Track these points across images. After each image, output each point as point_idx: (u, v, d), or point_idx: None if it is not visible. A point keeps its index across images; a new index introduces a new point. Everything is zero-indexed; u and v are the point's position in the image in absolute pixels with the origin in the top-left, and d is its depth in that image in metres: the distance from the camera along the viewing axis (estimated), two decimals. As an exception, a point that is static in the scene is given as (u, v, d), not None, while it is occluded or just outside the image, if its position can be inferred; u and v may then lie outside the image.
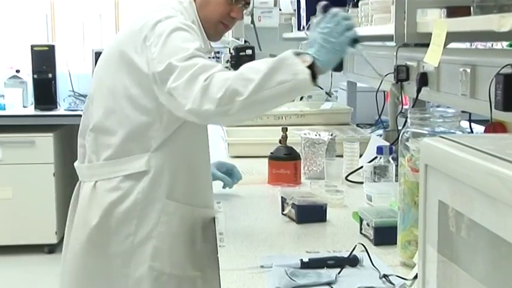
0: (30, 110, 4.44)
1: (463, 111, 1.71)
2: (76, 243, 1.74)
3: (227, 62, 3.61)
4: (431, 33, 1.56)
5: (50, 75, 4.40)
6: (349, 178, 2.16)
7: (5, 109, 4.39)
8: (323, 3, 1.54)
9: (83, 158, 1.78)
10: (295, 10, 3.69)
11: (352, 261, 1.39)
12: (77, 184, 1.81)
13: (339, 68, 3.47)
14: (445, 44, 1.51)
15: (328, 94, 3.62)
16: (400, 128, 2.44)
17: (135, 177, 1.66)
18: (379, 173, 2.00)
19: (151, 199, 1.66)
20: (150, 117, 1.63)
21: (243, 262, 1.44)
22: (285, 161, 2.16)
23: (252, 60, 3.40)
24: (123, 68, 1.64)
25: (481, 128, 2.00)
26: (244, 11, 1.75)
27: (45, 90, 4.39)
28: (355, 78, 3.36)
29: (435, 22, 1.54)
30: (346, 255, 1.40)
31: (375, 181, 1.99)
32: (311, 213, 1.72)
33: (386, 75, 2.52)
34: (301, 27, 3.47)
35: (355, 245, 1.42)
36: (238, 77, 1.44)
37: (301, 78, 1.42)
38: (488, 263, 0.74)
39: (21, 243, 4.32)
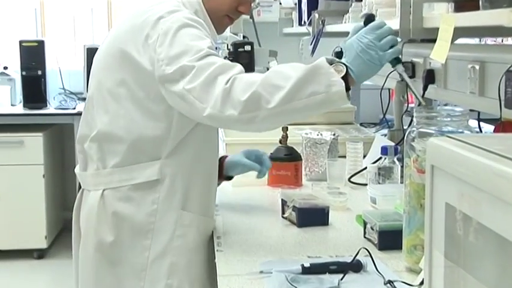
0: (19, 109, 4.44)
1: (471, 110, 1.71)
2: (86, 258, 1.69)
3: (225, 58, 3.61)
4: (438, 29, 1.56)
5: (40, 72, 4.40)
6: (352, 180, 2.16)
7: (-8, 108, 4.40)
8: (367, 13, 1.52)
9: (85, 164, 1.71)
10: (296, 4, 3.69)
11: (356, 266, 1.39)
12: (79, 192, 1.75)
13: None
14: (453, 40, 1.51)
15: (331, 92, 3.62)
16: (405, 127, 2.44)
17: (146, 186, 1.61)
18: (384, 174, 2.00)
19: (166, 210, 1.61)
20: (159, 121, 1.58)
21: (242, 267, 1.44)
22: (286, 161, 2.17)
23: (251, 56, 3.44)
24: (125, 69, 1.59)
25: (490, 128, 2.00)
26: (252, 5, 1.74)
27: (34, 88, 4.39)
28: (359, 75, 3.36)
29: (442, 17, 1.54)
30: (349, 260, 1.40)
31: (379, 183, 2.00)
32: (312, 217, 1.72)
33: (391, 72, 2.53)
34: (303, 22, 3.47)
35: (359, 250, 1.42)
36: (266, 81, 1.39)
37: (335, 91, 1.38)
38: (497, 268, 0.74)
39: (9, 248, 4.32)
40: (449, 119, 1.33)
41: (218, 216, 1.82)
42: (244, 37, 3.80)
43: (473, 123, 1.95)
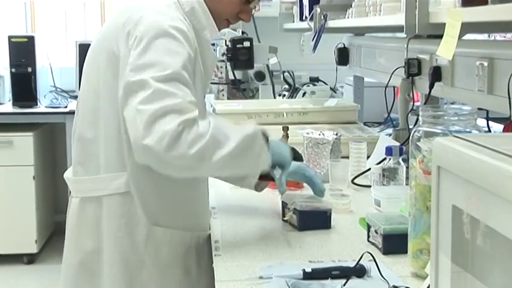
0: (8, 108, 4.44)
1: (479, 109, 1.71)
2: (67, 268, 1.72)
3: (223, 55, 3.61)
4: (444, 24, 1.56)
5: (30, 69, 4.40)
6: (355, 181, 2.17)
7: (-20, 106, 4.40)
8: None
9: (71, 168, 1.76)
10: (297, -2, 3.69)
11: (359, 271, 1.39)
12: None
13: (344, 61, 3.49)
14: (460, 36, 1.51)
15: (333, 90, 3.62)
16: (411, 126, 2.45)
17: (116, 198, 1.63)
18: (388, 175, 2.00)
19: (135, 225, 1.63)
20: (124, 123, 1.56)
21: (241, 273, 1.44)
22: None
23: (250, 53, 3.44)
24: (109, 68, 1.61)
25: (500, 127, 2.00)
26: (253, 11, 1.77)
27: (24, 86, 4.39)
28: (363, 72, 3.36)
29: (449, 11, 1.54)
30: (352, 264, 1.40)
31: (383, 184, 2.00)
32: (314, 220, 1.72)
33: (396, 69, 2.53)
34: (304, 17, 3.47)
35: (362, 254, 1.42)
36: (213, 138, 1.49)
37: (263, 160, 1.60)
38: (506, 273, 0.74)
39: (-2, 252, 4.32)
40: (456, 118, 1.33)
41: (216, 219, 1.83)
42: (243, 33, 3.80)
43: (481, 122, 1.96)
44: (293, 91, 3.57)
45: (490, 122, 2.02)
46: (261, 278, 1.39)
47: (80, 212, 1.68)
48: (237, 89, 3.87)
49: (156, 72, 1.49)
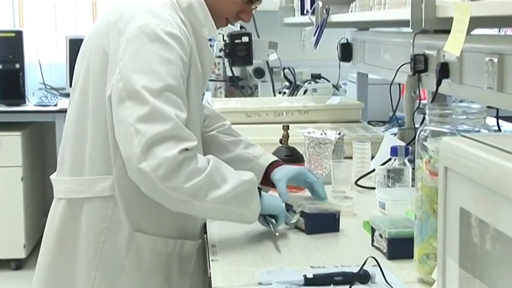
0: (-5, 106, 4.44)
1: (489, 107, 1.71)
2: (42, 272, 1.74)
3: (220, 51, 3.61)
4: (452, 18, 1.57)
5: (17, 66, 4.40)
6: (359, 183, 2.17)
7: (-35, 104, 4.39)
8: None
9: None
10: (298, -9, 3.70)
11: (363, 277, 1.39)
12: None
13: (347, 57, 3.49)
14: (469, 31, 1.52)
15: (336, 87, 3.63)
16: (417, 125, 2.45)
17: (98, 201, 1.64)
18: (394, 177, 2.00)
19: (117, 230, 1.64)
20: (110, 124, 1.59)
21: (239, 278, 1.44)
22: (287, 163, 2.17)
23: (248, 48, 3.44)
24: (98, 66, 1.62)
25: (510, 126, 2.01)
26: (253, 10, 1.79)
27: (11, 83, 4.39)
28: (366, 69, 3.37)
29: (457, 5, 1.55)
30: (355, 270, 1.40)
31: (388, 186, 2.00)
32: (323, 223, 1.73)
33: (401, 65, 2.53)
34: (305, 11, 3.48)
35: (366, 259, 1.43)
36: (210, 177, 1.53)
37: (253, 210, 1.64)
38: (516, 278, 0.74)
39: (-16, 257, 4.32)
40: (464, 116, 1.33)
41: (213, 223, 1.83)
42: (241, 27, 3.80)
43: (491, 121, 1.96)
44: (294, 89, 3.57)
45: (500, 121, 2.02)
46: (260, 284, 1.39)
47: (60, 214, 1.69)
48: (235, 87, 3.87)
49: (149, 83, 1.51)
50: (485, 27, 2.35)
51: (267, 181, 1.85)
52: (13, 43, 4.39)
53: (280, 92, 3.66)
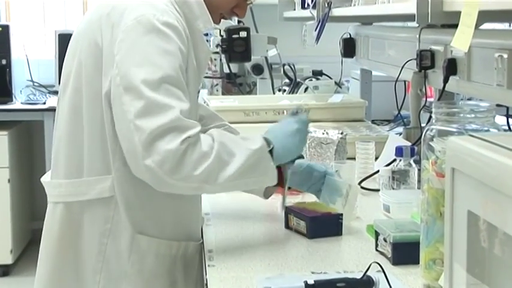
0: (-20, 104, 4.44)
1: (498, 105, 1.72)
2: (42, 283, 1.73)
3: (217, 46, 3.61)
4: (460, 12, 1.57)
5: (4, 62, 4.40)
6: (362, 185, 2.17)
7: (-51, 102, 4.39)
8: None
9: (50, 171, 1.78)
10: (298, -16, 3.70)
11: (367, 283, 1.39)
12: None
13: (350, 53, 3.49)
14: (477, 25, 1.52)
15: (338, 84, 3.63)
16: (423, 125, 2.45)
17: (99, 203, 1.64)
18: (399, 178, 2.01)
19: (120, 232, 1.64)
20: (108, 123, 1.60)
21: (237, 285, 1.44)
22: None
23: (247, 44, 3.44)
24: (91, 62, 1.62)
25: (520, 125, 2.01)
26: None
27: (-2, 80, 4.39)
28: (370, 65, 3.37)
29: (465, -1, 1.55)
30: (359, 276, 1.41)
31: (393, 188, 2.00)
32: (325, 226, 1.73)
33: (407, 62, 2.54)
34: (306, 5, 3.48)
35: (370, 264, 1.43)
36: (218, 157, 1.55)
37: (271, 177, 1.65)
38: (526, 284, 0.75)
39: (-31, 263, 4.32)
40: (473, 115, 1.33)
41: (210, 227, 1.83)
42: (239, 22, 3.80)
43: (500, 120, 1.96)
44: (294, 86, 3.57)
45: (510, 120, 2.03)
46: (259, 290, 1.39)
47: (60, 218, 1.68)
48: (233, 84, 3.87)
49: (147, 75, 1.52)
50: (495, 21, 2.36)
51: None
52: (-1, 38, 4.40)
53: (279, 90, 3.66)
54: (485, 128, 1.31)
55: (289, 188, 1.82)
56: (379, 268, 1.42)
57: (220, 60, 3.81)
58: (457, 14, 1.59)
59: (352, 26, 3.56)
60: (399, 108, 2.83)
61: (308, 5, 3.38)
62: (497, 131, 1.32)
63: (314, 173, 1.85)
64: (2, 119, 4.38)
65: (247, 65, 3.70)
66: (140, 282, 1.66)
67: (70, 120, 1.67)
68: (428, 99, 2.71)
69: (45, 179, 1.78)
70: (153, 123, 1.49)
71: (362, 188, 2.17)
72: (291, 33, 4.52)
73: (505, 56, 1.81)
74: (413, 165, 2.00)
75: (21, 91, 4.65)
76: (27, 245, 4.67)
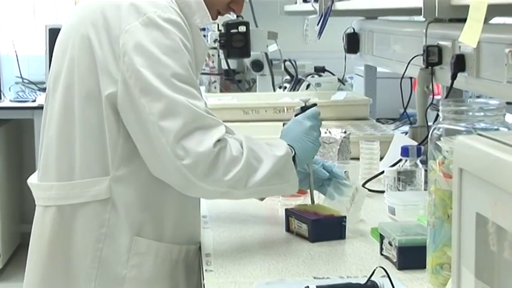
0: (-32, 102, 4.44)
1: (508, 103, 1.72)
2: (30, 284, 1.73)
3: (215, 41, 3.61)
4: (468, 6, 1.57)
5: (-8, 58, 4.40)
6: (367, 186, 2.17)
7: None
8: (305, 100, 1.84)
9: (37, 172, 1.77)
10: (299, -24, 3.70)
11: (371, 289, 1.40)
12: None
13: (354, 49, 3.49)
14: (486, 20, 1.52)
15: (341, 81, 3.63)
16: (430, 123, 2.46)
17: (95, 206, 1.64)
18: (404, 179, 2.01)
19: (117, 235, 1.64)
20: (109, 124, 1.60)
21: (235, 291, 1.45)
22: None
23: (246, 39, 3.44)
24: (84, 59, 1.62)
25: (531, 124, 2.01)
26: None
27: (-14, 77, 4.40)
28: (375, 61, 3.37)
29: (473, -8, 1.55)
30: (363, 281, 1.41)
31: (399, 190, 2.01)
32: (327, 229, 1.73)
33: (413, 57, 2.54)
34: (307, -2, 3.48)
35: (374, 269, 1.43)
36: (247, 164, 1.59)
37: (292, 184, 1.70)
38: (537, 289, 0.75)
39: (-44, 268, 4.32)
40: (482, 113, 1.34)
41: (207, 230, 1.83)
42: (238, 16, 3.80)
43: (510, 118, 1.97)
44: (295, 83, 3.58)
45: (520, 119, 2.03)
46: (258, 296, 1.40)
47: (51, 223, 1.68)
48: (231, 81, 3.88)
49: (159, 75, 1.54)
50: (505, 15, 2.36)
51: None
52: (-13, 33, 4.40)
53: (280, 87, 3.67)
54: (495, 127, 1.32)
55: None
56: (384, 273, 1.43)
57: (218, 56, 3.82)
58: (466, 7, 1.59)
59: (356, 20, 3.56)
60: (405, 106, 2.83)
61: (310, -2, 3.38)
62: (507, 130, 1.32)
63: (320, 174, 1.85)
64: (-10, 117, 4.39)
65: (247, 61, 3.70)
66: (139, 286, 1.65)
67: (61, 119, 1.67)
68: (435, 97, 2.72)
69: (32, 181, 1.77)
70: (178, 123, 1.52)
71: (366, 189, 2.17)
72: (292, 28, 4.52)
73: (516, 51, 1.81)
74: (420, 165, 2.00)
75: (10, 88, 4.65)
76: (17, 249, 4.67)
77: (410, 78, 2.88)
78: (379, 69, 3.52)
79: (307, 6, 3.42)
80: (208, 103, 2.98)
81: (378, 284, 1.40)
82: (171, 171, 1.54)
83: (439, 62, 2.35)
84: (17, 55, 4.81)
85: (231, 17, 3.71)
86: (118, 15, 1.59)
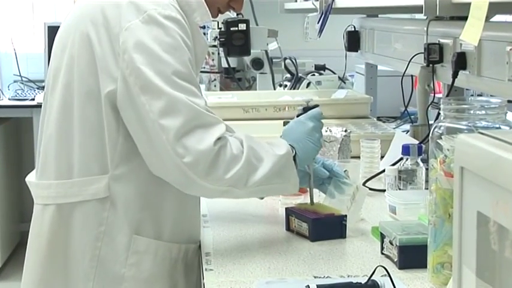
0: (-34, 100, 4.44)
1: (510, 101, 1.72)
2: (27, 283, 1.73)
3: (215, 39, 3.61)
4: (469, 4, 1.57)
5: (-9, 56, 4.40)
6: (367, 185, 2.17)
7: None
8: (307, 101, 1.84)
9: (35, 171, 1.77)
10: (300, -26, 3.70)
11: (372, 288, 1.40)
12: None
13: (355, 47, 3.49)
14: (488, 17, 1.52)
15: (342, 80, 3.63)
16: (431, 122, 2.46)
17: (93, 205, 1.64)
18: (405, 178, 2.01)
19: (115, 234, 1.64)
20: (109, 122, 1.60)
21: (235, 290, 1.45)
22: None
23: (246, 37, 3.44)
24: (84, 57, 1.62)
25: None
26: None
27: (-16, 75, 4.40)
28: (376, 59, 3.37)
29: (475, -10, 1.55)
30: (363, 280, 1.41)
31: (399, 188, 2.01)
32: (328, 228, 1.73)
33: (414, 55, 2.54)
34: (308, -4, 3.48)
35: (375, 268, 1.43)
36: (247, 162, 1.59)
37: (293, 183, 1.70)
38: (538, 289, 0.75)
39: (-46, 267, 4.33)
40: (483, 112, 1.34)
41: (207, 229, 1.84)
42: (238, 14, 3.80)
43: (512, 117, 1.97)
44: (296, 81, 3.58)
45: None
46: (258, 295, 1.40)
47: (50, 221, 1.68)
48: (231, 79, 3.88)
49: (160, 73, 1.54)
50: (506, 13, 2.36)
51: None
52: (-14, 31, 4.40)
53: (280, 85, 3.67)
54: (496, 125, 1.32)
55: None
56: (385, 272, 1.43)
57: (218, 54, 3.82)
58: (467, 5, 1.59)
59: (357, 18, 3.56)
60: (406, 104, 2.83)
61: (310, -4, 3.38)
62: (508, 128, 1.32)
63: (320, 173, 1.85)
64: (-11, 116, 4.39)
65: (247, 59, 3.70)
66: (138, 285, 1.65)
67: (60, 117, 1.67)
68: (436, 95, 2.72)
69: (30, 179, 1.77)
70: (178, 121, 1.52)
71: (367, 188, 2.17)
72: (292, 26, 4.52)
73: (517, 49, 1.81)
74: (421, 164, 2.00)
75: (8, 86, 4.66)
76: (16, 248, 4.68)
77: (411, 76, 2.88)
78: (379, 67, 3.52)
79: (308, 4, 3.42)
80: (208, 101, 2.96)
81: (379, 283, 1.40)
82: (171, 169, 1.54)
83: (440, 60, 2.35)
84: (15, 53, 4.81)
85: (231, 15, 3.71)
86: (118, 13, 1.59)
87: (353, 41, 3.49)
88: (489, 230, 0.84)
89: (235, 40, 3.47)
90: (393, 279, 1.40)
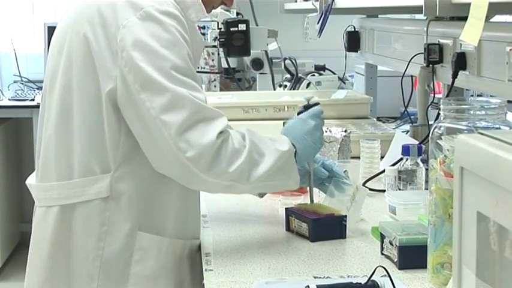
0: (-34, 100, 4.44)
1: (509, 101, 1.72)
2: (31, 284, 1.72)
3: (215, 40, 3.61)
4: (469, 4, 1.57)
5: (-9, 56, 4.40)
6: (367, 185, 2.17)
7: None
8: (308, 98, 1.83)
9: (35, 173, 1.76)
10: (300, -26, 3.70)
11: (371, 288, 1.40)
12: None
13: (354, 47, 3.49)
14: (488, 18, 1.52)
15: (342, 80, 3.63)
16: (431, 122, 2.46)
17: (95, 205, 1.63)
18: (405, 178, 2.01)
19: (118, 233, 1.63)
20: (109, 121, 1.60)
21: (235, 290, 1.45)
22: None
23: (246, 37, 3.44)
24: (82, 58, 1.61)
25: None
26: None
27: (-16, 75, 4.40)
28: (376, 59, 3.37)
29: (475, -10, 1.55)
30: (363, 281, 1.41)
31: (399, 189, 2.01)
32: (327, 228, 1.73)
33: (414, 56, 2.54)
34: (308, -4, 3.48)
35: (375, 269, 1.43)
36: (250, 156, 1.60)
37: (294, 179, 1.71)
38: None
39: (-46, 267, 4.32)
40: (483, 112, 1.34)
41: (207, 229, 1.84)
42: (238, 14, 3.80)
43: (512, 117, 1.97)
44: (295, 81, 3.58)
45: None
46: (258, 296, 1.40)
47: (53, 223, 1.66)
48: (231, 79, 3.87)
49: (159, 69, 1.54)
50: (506, 13, 2.36)
51: None
52: (-15, 31, 4.40)
53: (280, 85, 3.67)
54: (496, 126, 1.32)
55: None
56: (385, 272, 1.43)
57: (218, 54, 3.82)
58: (467, 5, 1.59)
59: (357, 18, 3.56)
60: (406, 104, 2.83)
61: (310, -4, 3.38)
62: (508, 128, 1.32)
63: (319, 173, 1.85)
64: (-11, 116, 4.39)
65: (247, 60, 3.70)
66: (144, 282, 1.65)
67: (59, 118, 1.67)
68: (436, 96, 2.72)
69: (31, 182, 1.76)
70: (180, 116, 1.53)
71: (367, 188, 2.17)
72: (292, 26, 4.52)
73: (517, 50, 1.81)
74: (421, 164, 2.00)
75: (8, 87, 4.66)
76: (16, 248, 4.68)
77: (411, 76, 2.88)
78: (379, 67, 3.52)
79: (308, 4, 3.42)
80: (208, 102, 2.98)
81: (379, 283, 1.40)
82: (173, 165, 1.54)
83: (440, 61, 2.35)
84: (15, 53, 4.81)
85: (231, 15, 3.71)
86: (114, 11, 1.59)
87: (353, 41, 3.49)
88: (489, 230, 0.84)
89: (235, 40, 3.47)
90: (393, 280, 1.40)
